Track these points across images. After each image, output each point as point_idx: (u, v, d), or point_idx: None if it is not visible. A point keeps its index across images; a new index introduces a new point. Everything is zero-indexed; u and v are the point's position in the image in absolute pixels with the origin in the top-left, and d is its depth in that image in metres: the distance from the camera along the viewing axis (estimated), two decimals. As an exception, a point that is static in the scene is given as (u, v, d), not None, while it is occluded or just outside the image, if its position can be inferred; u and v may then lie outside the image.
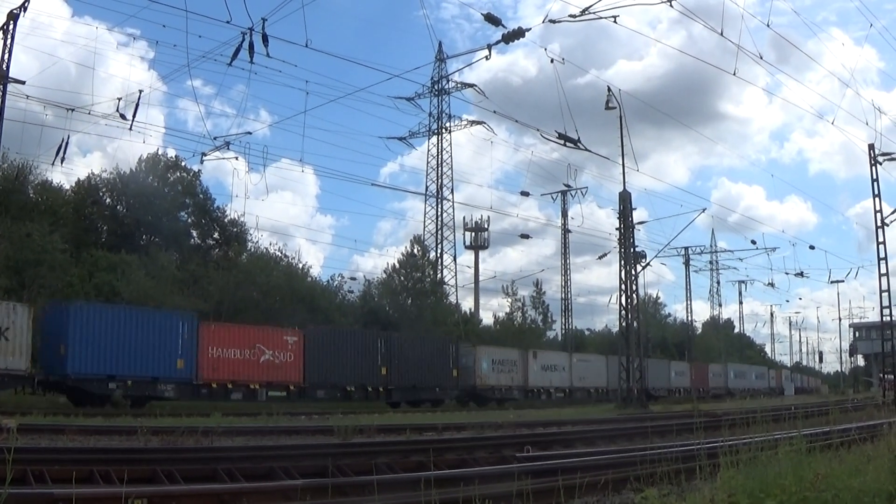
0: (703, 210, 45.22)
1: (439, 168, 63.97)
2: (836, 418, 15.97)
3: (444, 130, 64.10)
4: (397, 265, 60.03)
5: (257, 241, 54.96)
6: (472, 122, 63.45)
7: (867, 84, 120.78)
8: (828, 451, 7.98)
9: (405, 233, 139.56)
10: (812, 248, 61.23)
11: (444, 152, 63.98)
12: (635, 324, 40.75)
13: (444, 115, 63.78)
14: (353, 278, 60.45)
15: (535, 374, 50.27)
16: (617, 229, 40.65)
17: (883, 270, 35.35)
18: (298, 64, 48.61)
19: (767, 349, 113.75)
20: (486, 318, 72.14)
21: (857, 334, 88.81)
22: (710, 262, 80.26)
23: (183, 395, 31.78)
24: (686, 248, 71.19)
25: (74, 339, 28.92)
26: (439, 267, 63.06)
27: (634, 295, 40.59)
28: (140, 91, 30.00)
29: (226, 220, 54.59)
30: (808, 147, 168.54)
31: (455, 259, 65.63)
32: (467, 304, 70.72)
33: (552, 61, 26.29)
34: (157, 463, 10.60)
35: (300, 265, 55.66)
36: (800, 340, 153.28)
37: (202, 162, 34.40)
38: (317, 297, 52.07)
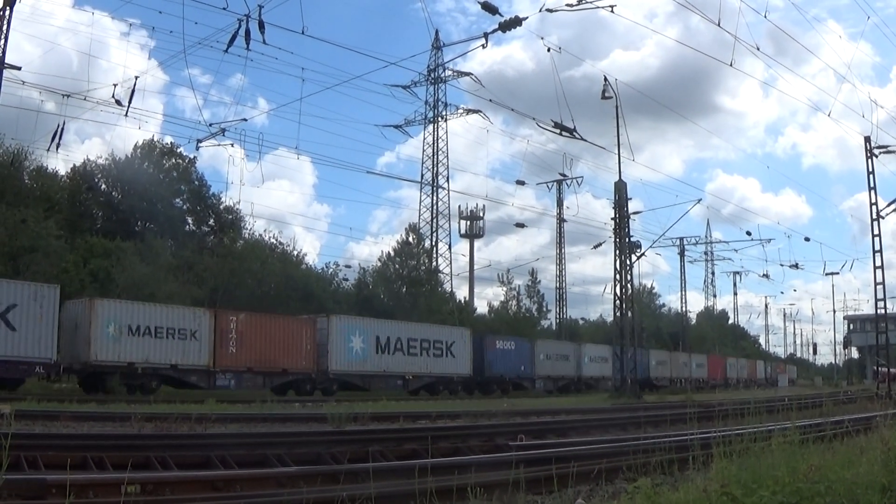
0: (699, 201, 45.25)
1: (435, 156, 63.89)
2: (829, 410, 16.02)
3: (440, 119, 63.98)
4: (392, 253, 60.17)
5: (252, 229, 55.05)
6: (469, 111, 63.45)
7: (862, 79, 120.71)
8: (821, 443, 7.99)
9: (400, 221, 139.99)
10: (807, 239, 61.24)
11: (439, 141, 63.91)
12: (630, 314, 40.76)
13: (440, 103, 63.67)
14: (348, 266, 60.43)
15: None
16: (612, 219, 40.65)
17: (878, 263, 35.24)
18: (295, 51, 48.70)
19: (762, 340, 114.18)
20: (481, 307, 72.22)
21: (851, 326, 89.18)
22: (705, 253, 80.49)
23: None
24: (681, 239, 71.16)
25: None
26: (434, 255, 63.06)
27: (629, 285, 40.62)
28: (136, 77, 29.64)
29: (221, 208, 54.64)
30: (803, 141, 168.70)
31: (450, 247, 65.59)
32: (462, 293, 70.67)
33: (549, 50, 26.11)
34: (150, 449, 10.59)
35: (295, 253, 55.71)
36: (794, 332, 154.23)
37: (198, 149, 34.39)
38: (311, 285, 52.05)
